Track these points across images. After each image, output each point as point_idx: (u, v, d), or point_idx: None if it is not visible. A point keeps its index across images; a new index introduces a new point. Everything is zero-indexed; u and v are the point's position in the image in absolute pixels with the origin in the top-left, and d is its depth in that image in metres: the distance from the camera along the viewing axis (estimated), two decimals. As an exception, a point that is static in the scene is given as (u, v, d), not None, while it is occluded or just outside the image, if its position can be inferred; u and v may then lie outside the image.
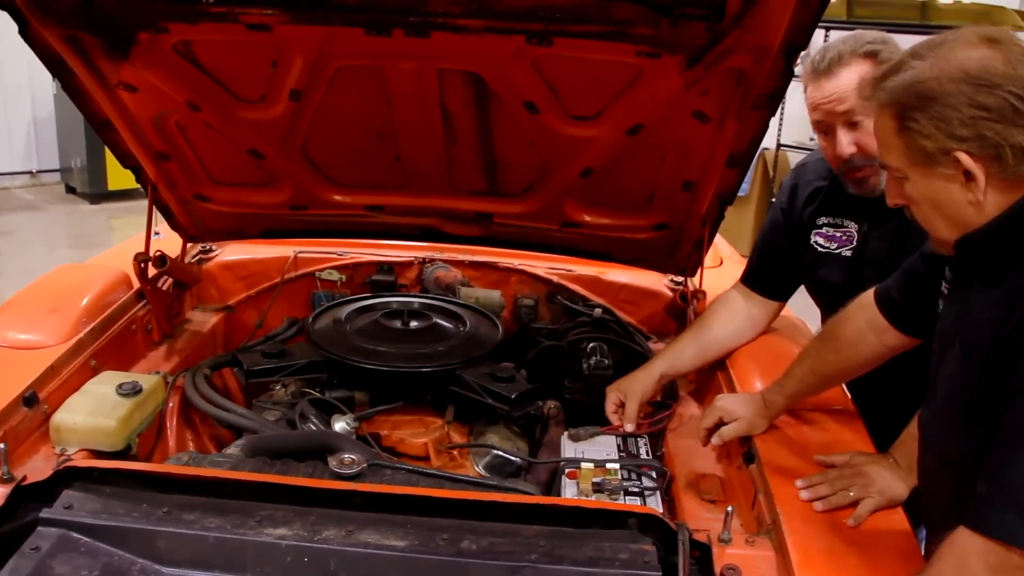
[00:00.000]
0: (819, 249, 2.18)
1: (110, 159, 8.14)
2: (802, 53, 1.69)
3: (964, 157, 1.26)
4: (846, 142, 1.98)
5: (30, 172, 9.10)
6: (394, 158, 2.24)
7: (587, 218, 2.40)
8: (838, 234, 2.15)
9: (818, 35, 7.06)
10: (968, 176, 1.27)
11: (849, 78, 1.93)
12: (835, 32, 6.62)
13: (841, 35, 2.03)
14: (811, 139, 7.59)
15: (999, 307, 1.27)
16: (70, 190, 8.86)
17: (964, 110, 1.25)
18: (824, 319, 2.31)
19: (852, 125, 1.96)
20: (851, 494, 1.64)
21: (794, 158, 7.99)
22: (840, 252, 2.15)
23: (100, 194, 8.42)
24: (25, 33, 1.80)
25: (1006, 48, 1.26)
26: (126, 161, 2.25)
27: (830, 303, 2.22)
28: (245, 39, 1.80)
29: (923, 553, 1.59)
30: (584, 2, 1.62)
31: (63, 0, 1.69)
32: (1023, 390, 1.19)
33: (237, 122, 2.11)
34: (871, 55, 1.92)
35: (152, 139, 2.18)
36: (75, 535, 1.51)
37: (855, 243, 2.13)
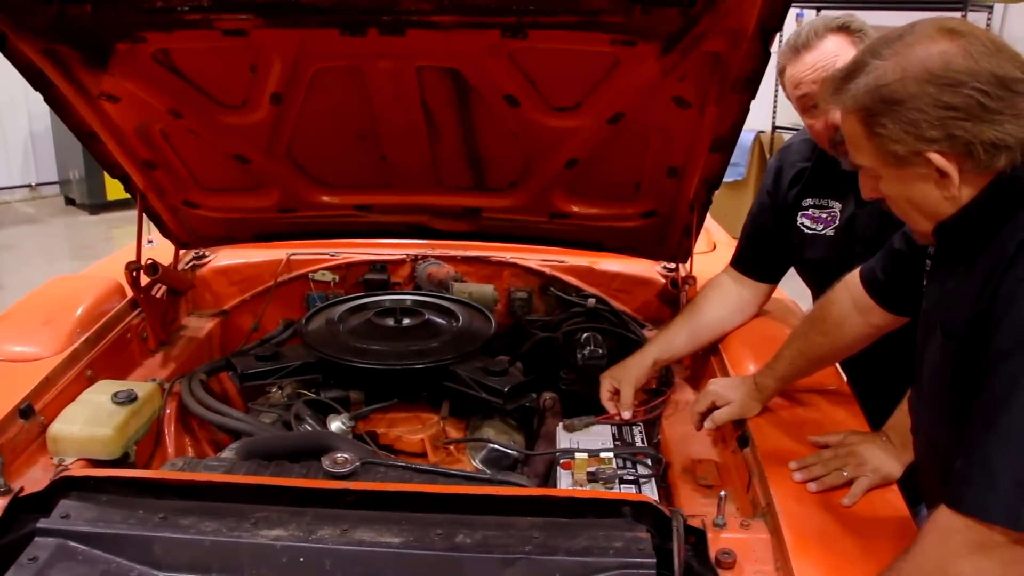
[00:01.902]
0: (806, 231, 2.18)
1: (108, 170, 8.16)
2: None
3: (936, 157, 1.25)
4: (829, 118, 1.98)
5: (29, 185, 9.12)
6: (379, 157, 2.24)
7: (575, 208, 2.40)
8: (823, 215, 2.16)
9: (810, 13, 7.01)
10: (941, 174, 1.26)
11: (826, 48, 1.97)
12: (827, 12, 6.60)
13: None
14: (806, 120, 7.55)
15: (974, 285, 1.27)
16: (69, 202, 8.88)
17: (931, 112, 1.22)
18: (816, 300, 2.31)
19: None
20: (845, 474, 1.64)
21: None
22: (825, 232, 2.15)
23: (99, 205, 8.44)
24: (3, 47, 1.81)
25: (966, 41, 1.24)
26: (114, 171, 2.26)
27: (820, 283, 2.22)
28: (222, 45, 1.80)
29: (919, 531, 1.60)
30: None
31: (38, 13, 1.70)
32: (996, 364, 1.19)
33: (220, 128, 2.11)
34: (843, 28, 1.97)
35: (137, 148, 2.19)
36: (73, 544, 1.51)
37: (837, 222, 2.13)
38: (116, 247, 7.58)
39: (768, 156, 7.73)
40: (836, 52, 1.94)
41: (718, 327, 2.26)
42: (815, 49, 1.97)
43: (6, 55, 1.83)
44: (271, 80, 1.94)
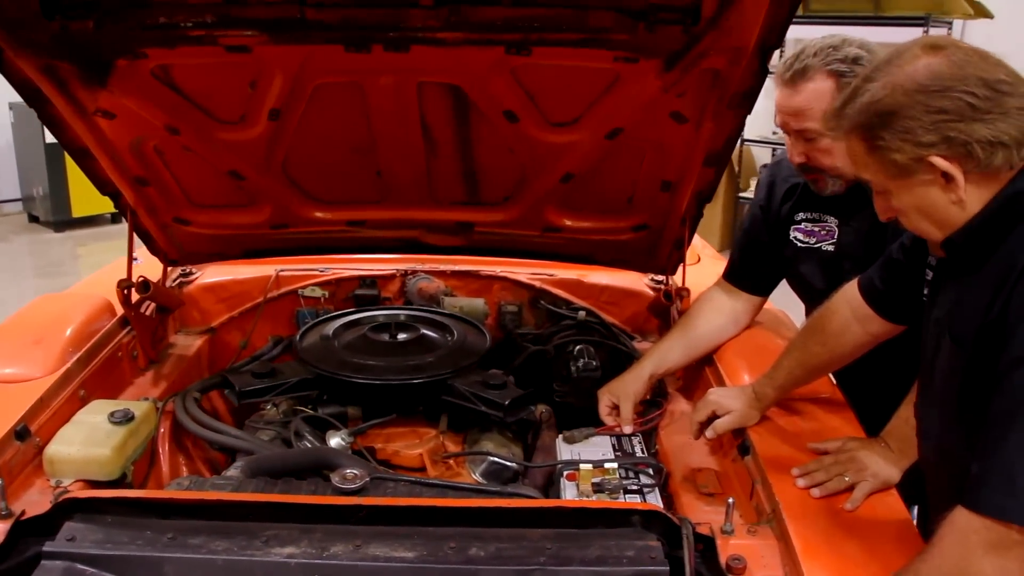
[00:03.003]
0: (799, 244, 2.23)
1: (73, 186, 8.02)
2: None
3: (938, 160, 1.30)
4: (796, 152, 2.06)
5: (-9, 203, 8.96)
6: (374, 173, 2.25)
7: (568, 222, 2.43)
8: (817, 228, 2.20)
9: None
10: (947, 178, 1.31)
11: (809, 95, 1.97)
12: (794, 27, 6.73)
13: (822, 37, 2.03)
14: (773, 132, 7.69)
15: (985, 293, 1.31)
16: (33, 219, 8.72)
17: (924, 117, 1.29)
18: (808, 312, 2.35)
19: (807, 140, 2.02)
20: (846, 479, 1.67)
21: (758, 152, 8.11)
22: (820, 246, 2.19)
23: (64, 222, 8.31)
24: (0, 63, 1.79)
25: (949, 52, 1.31)
26: (104, 188, 2.23)
27: (812, 297, 2.26)
28: (224, 61, 1.80)
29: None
30: (562, 11, 1.64)
31: (40, 30, 1.68)
32: (1010, 370, 1.23)
33: (216, 144, 2.10)
34: (836, 75, 1.94)
35: (130, 164, 2.17)
36: (80, 567, 1.49)
37: (835, 237, 2.17)
38: (82, 265, 7.47)
39: (736, 168, 7.84)
40: (813, 104, 1.95)
41: (711, 339, 2.29)
42: (796, 92, 1.98)
43: (2, 71, 1.80)
44: (271, 96, 1.94)
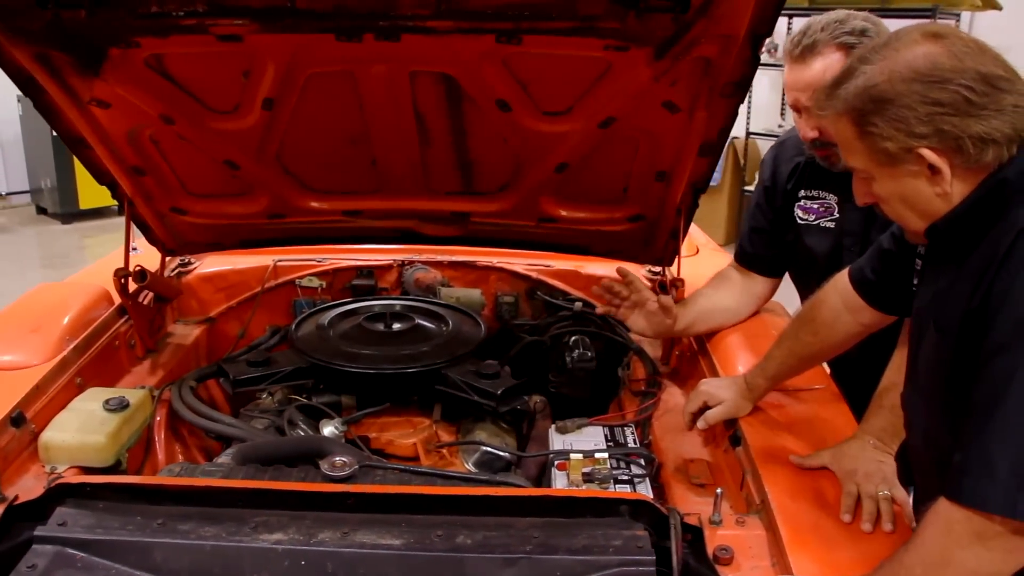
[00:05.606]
0: (800, 222, 2.25)
1: (81, 178, 8.07)
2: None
3: (928, 153, 1.28)
4: (808, 127, 2.07)
5: (-1, 195, 9.02)
6: (369, 162, 2.25)
7: (563, 213, 2.42)
8: (816, 206, 2.21)
9: (781, 22, 7.19)
10: (933, 170, 1.30)
11: (819, 69, 1.98)
12: (798, 20, 6.70)
13: (828, 15, 2.04)
14: (779, 126, 7.68)
15: (967, 282, 1.30)
16: (41, 211, 8.77)
17: (919, 108, 1.27)
18: (801, 294, 2.35)
19: None
20: (884, 492, 1.60)
21: (763, 145, 8.08)
22: (820, 223, 2.21)
23: (72, 214, 8.37)
24: (-6, 52, 1.80)
25: (949, 42, 1.29)
26: (102, 178, 2.24)
27: (810, 275, 2.26)
28: (216, 50, 1.80)
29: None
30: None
31: (32, 18, 1.68)
32: (992, 358, 1.23)
33: (211, 134, 2.10)
34: (845, 47, 1.96)
35: (127, 154, 2.18)
36: (71, 551, 1.50)
37: (836, 214, 2.19)
38: (89, 256, 7.51)
39: (743, 161, 7.82)
40: (824, 77, 1.93)
41: (726, 313, 2.31)
42: (806, 67, 1.99)
43: (-4, 60, 1.82)
44: (264, 85, 1.94)
